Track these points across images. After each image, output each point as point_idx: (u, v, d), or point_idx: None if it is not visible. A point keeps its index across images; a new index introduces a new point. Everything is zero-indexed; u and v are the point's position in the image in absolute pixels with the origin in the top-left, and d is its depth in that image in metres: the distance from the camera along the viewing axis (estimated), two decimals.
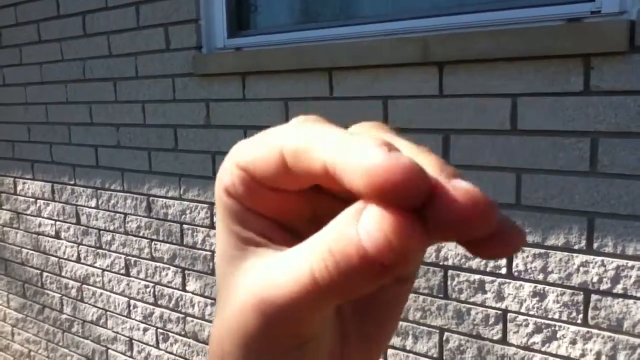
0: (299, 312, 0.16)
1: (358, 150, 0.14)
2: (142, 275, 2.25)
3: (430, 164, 0.15)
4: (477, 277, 1.41)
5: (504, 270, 1.37)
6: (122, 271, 2.32)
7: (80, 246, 2.47)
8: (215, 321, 0.20)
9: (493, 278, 1.39)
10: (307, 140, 0.16)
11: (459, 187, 0.14)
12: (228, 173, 0.19)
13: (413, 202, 0.14)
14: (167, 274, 2.15)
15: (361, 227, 0.14)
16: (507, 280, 1.37)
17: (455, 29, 1.40)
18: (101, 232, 2.37)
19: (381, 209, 0.14)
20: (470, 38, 1.32)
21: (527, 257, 1.33)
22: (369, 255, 0.14)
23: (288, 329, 0.17)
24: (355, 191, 0.14)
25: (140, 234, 2.21)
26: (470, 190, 0.14)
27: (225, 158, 0.19)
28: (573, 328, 1.29)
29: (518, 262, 1.35)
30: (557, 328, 1.31)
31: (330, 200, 0.19)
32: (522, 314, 1.36)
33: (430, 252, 1.48)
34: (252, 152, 0.18)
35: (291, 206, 0.19)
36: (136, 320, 2.31)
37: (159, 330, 2.23)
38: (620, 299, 1.22)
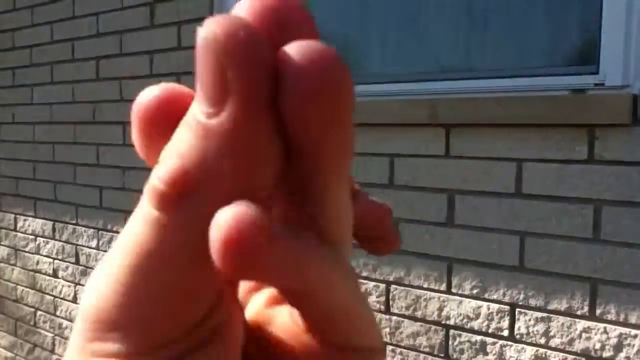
0: None
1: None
2: None
3: None
4: (479, 338, 1.41)
5: (506, 333, 1.37)
6: None
7: (78, 286, 2.46)
8: None
9: (495, 340, 1.39)
10: None
11: None
12: None
13: None
14: None
15: None
16: (509, 343, 1.37)
17: (463, 93, 1.45)
18: None
19: None
20: (477, 103, 1.36)
21: (530, 320, 1.34)
22: None
23: None
24: None
25: None
26: None
27: None
28: None
29: (520, 325, 1.35)
30: None
31: None
32: None
33: (432, 311, 1.48)
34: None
35: None
36: None
37: None
38: None
